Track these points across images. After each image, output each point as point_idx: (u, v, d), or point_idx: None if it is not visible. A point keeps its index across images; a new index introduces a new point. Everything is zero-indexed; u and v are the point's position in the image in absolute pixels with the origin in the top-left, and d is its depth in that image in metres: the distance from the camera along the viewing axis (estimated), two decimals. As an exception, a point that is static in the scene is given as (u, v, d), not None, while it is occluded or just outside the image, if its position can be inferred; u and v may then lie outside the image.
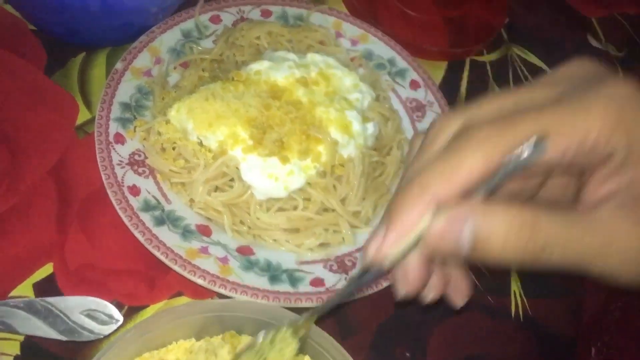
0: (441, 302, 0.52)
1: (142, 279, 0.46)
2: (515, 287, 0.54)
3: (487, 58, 0.66)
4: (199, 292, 0.47)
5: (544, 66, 0.66)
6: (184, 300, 0.47)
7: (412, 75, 0.60)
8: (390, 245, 0.30)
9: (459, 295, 0.35)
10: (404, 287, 0.32)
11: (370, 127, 0.54)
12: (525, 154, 0.28)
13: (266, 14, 0.60)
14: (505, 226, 0.27)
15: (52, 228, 0.47)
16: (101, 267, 0.46)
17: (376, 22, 0.62)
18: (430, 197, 0.29)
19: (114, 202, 0.46)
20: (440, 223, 0.28)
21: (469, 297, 0.36)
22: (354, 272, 0.46)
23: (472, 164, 0.28)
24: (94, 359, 0.35)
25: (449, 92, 0.61)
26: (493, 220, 0.28)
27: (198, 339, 0.40)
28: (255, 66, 0.54)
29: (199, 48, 0.56)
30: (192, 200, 0.49)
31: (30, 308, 0.39)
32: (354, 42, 0.61)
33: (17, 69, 0.53)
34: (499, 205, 0.28)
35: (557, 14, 0.71)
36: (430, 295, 0.34)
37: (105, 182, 0.47)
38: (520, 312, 0.53)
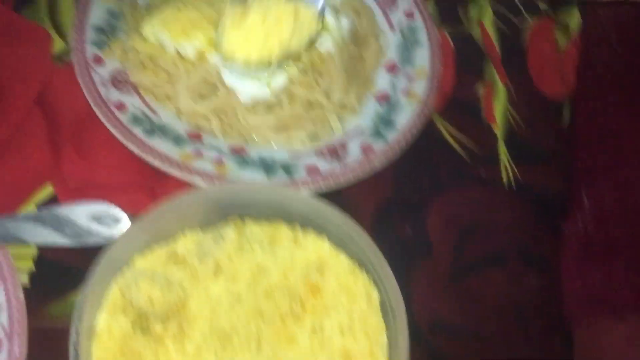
0: (435, 180, 0.54)
1: (141, 189, 0.47)
2: (504, 157, 0.55)
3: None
4: (199, 195, 0.48)
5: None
6: (185, 205, 0.48)
7: (380, -32, 0.60)
8: None
9: None
10: None
11: (345, 22, 0.54)
12: None
13: None
14: None
15: (45, 152, 0.47)
16: (101, 182, 0.47)
17: None
18: None
19: (102, 118, 0.47)
20: None
21: None
22: None
23: None
24: (101, 256, 0.36)
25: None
26: None
27: (203, 231, 0.41)
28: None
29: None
30: (179, 111, 0.50)
31: (38, 219, 0.40)
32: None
33: (-17, 8, 0.52)
34: None
35: None
36: None
37: (90, 101, 0.47)
38: (512, 181, 0.55)
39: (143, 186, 0.48)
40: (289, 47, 0.49)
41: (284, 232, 0.40)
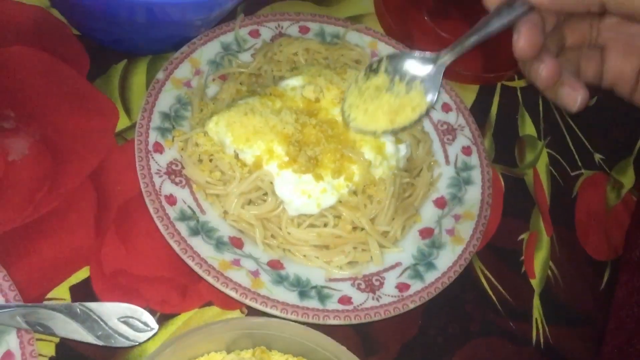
0: (463, 325, 0.53)
1: (174, 287, 0.48)
2: (537, 313, 0.54)
3: (518, 84, 0.67)
4: (229, 303, 0.48)
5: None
6: (214, 309, 0.48)
7: (445, 98, 0.61)
8: None
9: (573, 97, 0.40)
10: (518, 40, 0.38)
11: (403, 149, 0.55)
12: None
13: (304, 30, 0.61)
14: None
15: (91, 232, 0.48)
16: (135, 273, 0.47)
17: (411, 42, 0.63)
18: None
19: (151, 210, 0.47)
20: None
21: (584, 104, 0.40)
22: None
23: None
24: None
25: (480, 116, 0.62)
26: None
27: (229, 351, 0.41)
28: (292, 82, 0.55)
29: (238, 61, 0.57)
30: (225, 212, 0.50)
31: (69, 312, 0.40)
32: (388, 62, 0.62)
33: (60, 73, 0.54)
34: None
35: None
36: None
37: (143, 190, 0.48)
38: (541, 339, 0.53)
39: (176, 283, 0.48)
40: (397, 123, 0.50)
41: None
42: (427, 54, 0.47)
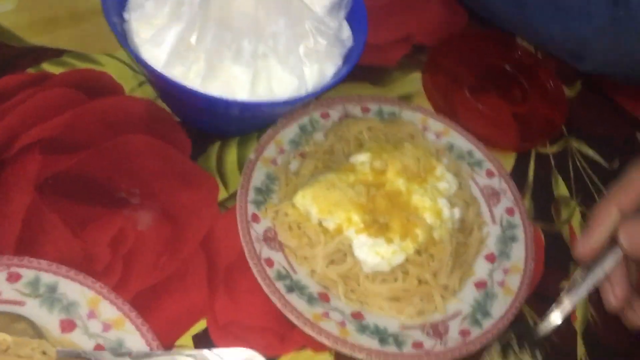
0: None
1: (274, 334, 0.57)
2: (581, 352, 0.63)
3: (550, 150, 0.76)
4: (321, 346, 0.57)
5: (598, 158, 0.77)
6: (307, 352, 0.57)
7: (488, 165, 0.71)
8: (587, 242, 0.45)
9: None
10: (611, 298, 0.45)
11: (457, 212, 0.64)
12: None
13: (365, 110, 0.72)
14: None
15: (204, 290, 0.58)
16: (243, 323, 0.57)
17: (456, 118, 0.73)
18: (614, 204, 0.43)
19: (255, 272, 0.57)
20: (628, 223, 0.41)
21: None
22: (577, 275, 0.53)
23: (637, 181, 0.44)
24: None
25: (519, 180, 0.72)
26: None
27: None
28: (360, 157, 0.65)
29: (314, 140, 0.68)
30: (313, 271, 0.60)
31: (201, 357, 0.50)
32: (438, 136, 0.72)
33: (170, 155, 0.65)
34: None
35: (608, 112, 0.82)
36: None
37: (247, 255, 0.58)
38: (585, 380, 0.62)
39: (277, 332, 0.57)
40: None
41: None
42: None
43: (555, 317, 0.53)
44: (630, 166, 0.49)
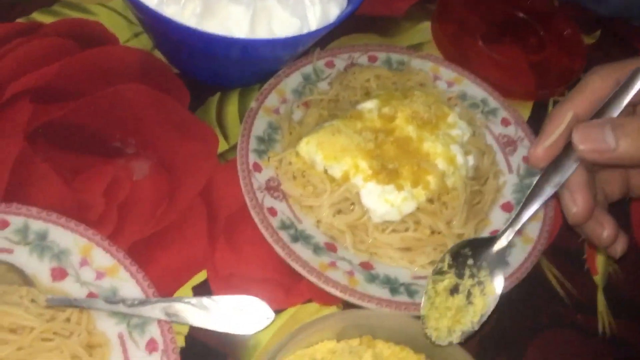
0: (534, 318, 0.58)
1: (279, 286, 0.54)
2: (602, 307, 0.59)
3: (569, 99, 0.72)
4: (327, 299, 0.54)
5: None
6: (314, 306, 0.54)
7: (503, 113, 0.67)
8: (540, 143, 0.44)
9: (618, 247, 0.45)
10: (572, 206, 0.43)
11: (471, 160, 0.61)
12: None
13: (373, 59, 0.69)
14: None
15: (204, 241, 0.55)
16: (245, 275, 0.54)
17: (469, 67, 0.70)
18: (570, 108, 0.43)
19: (257, 221, 0.54)
20: (582, 125, 0.40)
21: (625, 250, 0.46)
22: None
23: (593, 86, 0.43)
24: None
25: (536, 129, 0.67)
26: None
27: (338, 340, 0.47)
28: (368, 105, 0.62)
29: (318, 89, 0.65)
30: (319, 221, 0.57)
31: (200, 304, 0.47)
32: (449, 84, 0.68)
33: (167, 105, 0.62)
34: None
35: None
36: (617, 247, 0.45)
37: (249, 204, 0.55)
38: (607, 331, 0.58)
39: (281, 284, 0.54)
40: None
41: (410, 357, 0.45)
42: (485, 237, 0.51)
43: (509, 233, 0.49)
44: (589, 72, 0.46)
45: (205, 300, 0.48)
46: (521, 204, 0.48)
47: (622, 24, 0.78)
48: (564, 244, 0.62)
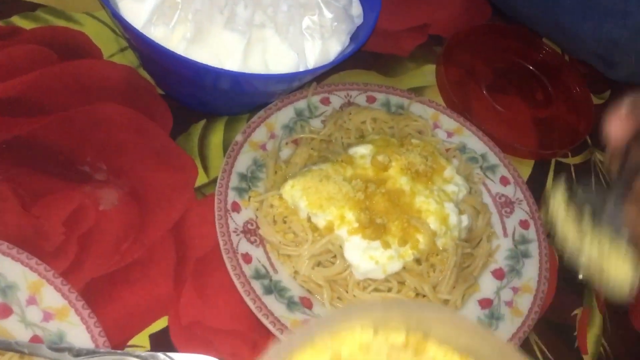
0: None
1: (244, 341, 0.50)
2: None
3: (572, 161, 0.69)
4: None
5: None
6: (281, 367, 0.50)
7: (503, 171, 0.63)
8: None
9: None
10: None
11: (465, 220, 0.57)
12: None
13: (371, 99, 0.65)
14: None
15: (170, 283, 0.51)
16: (210, 325, 0.50)
17: (470, 116, 0.66)
18: None
19: (229, 268, 0.50)
20: None
21: None
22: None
23: None
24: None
25: (536, 190, 0.64)
26: None
27: (376, 331, 0.34)
28: (361, 150, 0.58)
29: (310, 127, 0.61)
30: (296, 272, 0.52)
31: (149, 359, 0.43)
32: (449, 134, 0.65)
33: (147, 130, 0.58)
34: None
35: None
36: None
37: (222, 248, 0.51)
38: None
39: (246, 337, 0.50)
40: None
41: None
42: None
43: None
44: None
45: (160, 356, 0.43)
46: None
47: (634, 87, 0.75)
48: (555, 318, 0.58)
